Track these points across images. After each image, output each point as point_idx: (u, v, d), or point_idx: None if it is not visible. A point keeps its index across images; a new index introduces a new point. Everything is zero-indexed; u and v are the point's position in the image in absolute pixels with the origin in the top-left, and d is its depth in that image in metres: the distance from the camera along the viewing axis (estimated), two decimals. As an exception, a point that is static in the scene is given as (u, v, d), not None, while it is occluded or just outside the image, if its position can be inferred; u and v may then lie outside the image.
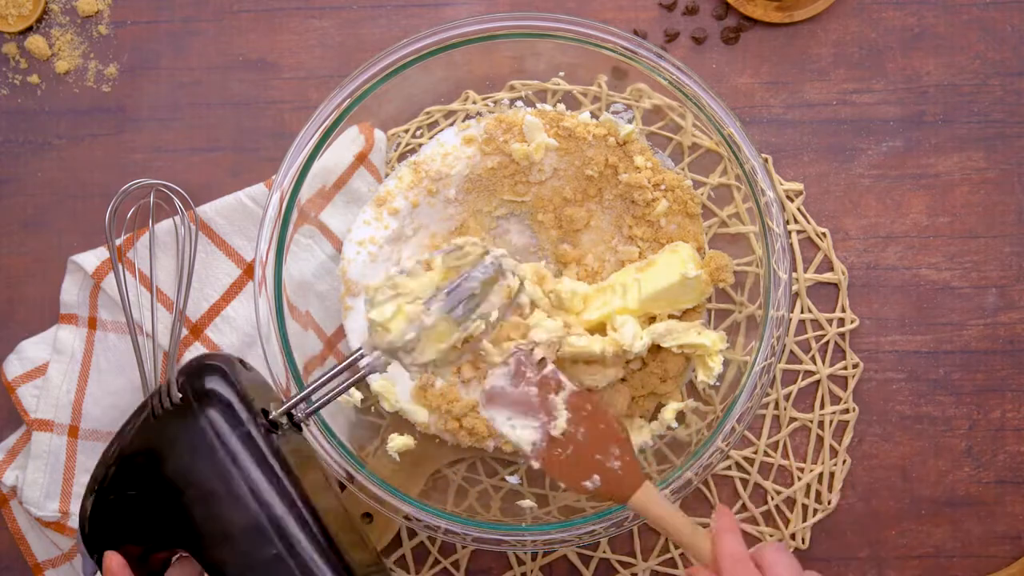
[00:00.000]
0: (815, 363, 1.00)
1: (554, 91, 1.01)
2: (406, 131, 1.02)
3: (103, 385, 0.99)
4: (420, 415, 0.95)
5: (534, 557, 1.00)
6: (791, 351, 1.01)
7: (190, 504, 0.75)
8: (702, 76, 0.92)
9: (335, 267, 0.97)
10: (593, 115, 0.99)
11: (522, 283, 0.87)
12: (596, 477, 0.82)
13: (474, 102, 1.02)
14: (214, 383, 0.78)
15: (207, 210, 0.99)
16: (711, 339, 0.92)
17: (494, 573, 1.00)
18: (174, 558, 0.79)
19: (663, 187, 0.96)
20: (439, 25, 0.91)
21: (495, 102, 1.02)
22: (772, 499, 1.00)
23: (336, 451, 0.88)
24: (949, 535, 1.01)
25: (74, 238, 1.03)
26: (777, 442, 1.00)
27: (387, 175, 0.99)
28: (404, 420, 0.96)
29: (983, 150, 1.03)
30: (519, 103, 1.02)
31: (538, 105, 1.01)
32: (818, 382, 1.00)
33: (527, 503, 0.96)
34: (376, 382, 0.95)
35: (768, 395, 1.00)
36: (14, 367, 0.99)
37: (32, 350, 1.00)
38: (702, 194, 0.98)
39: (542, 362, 0.86)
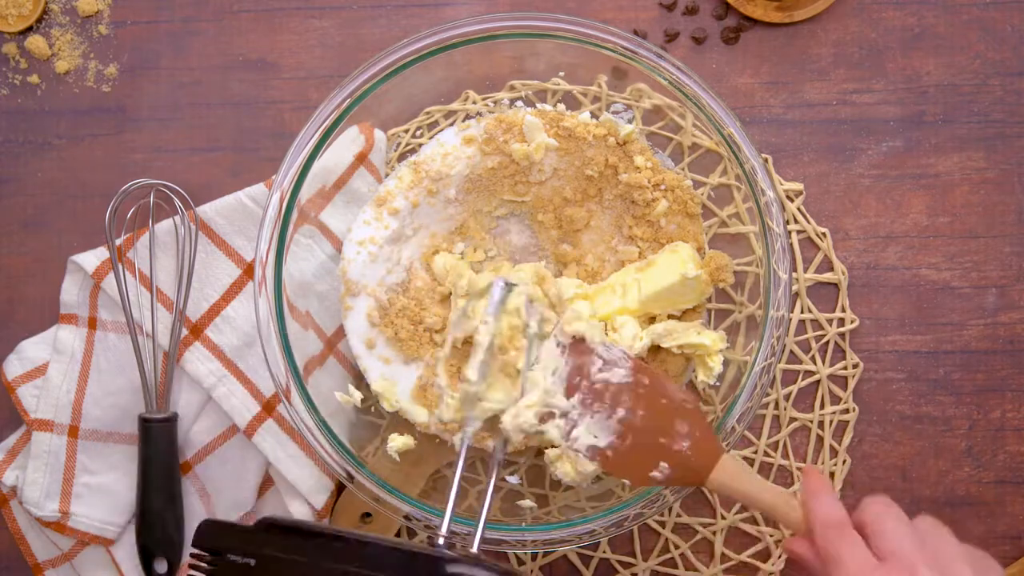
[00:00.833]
0: (815, 363, 1.00)
1: (554, 91, 1.01)
2: (406, 131, 1.02)
3: (103, 385, 0.99)
4: (420, 415, 0.95)
5: (534, 557, 1.00)
6: (791, 351, 1.01)
7: None
8: (702, 76, 0.92)
9: (335, 267, 0.97)
10: (593, 115, 0.99)
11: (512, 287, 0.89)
12: (664, 465, 0.77)
13: (474, 102, 1.02)
14: None
15: (207, 210, 1.00)
16: (711, 339, 0.92)
17: None
18: None
19: (663, 187, 0.96)
20: (439, 25, 0.91)
21: (495, 102, 1.02)
22: (772, 499, 1.01)
23: (336, 451, 0.88)
24: None
25: (74, 238, 1.03)
26: (777, 442, 1.00)
27: (387, 175, 0.99)
28: (404, 420, 0.96)
29: (983, 150, 1.03)
30: (519, 103, 1.02)
31: (538, 105, 1.01)
32: (818, 382, 1.00)
33: (527, 503, 0.96)
34: (376, 382, 0.95)
35: (768, 395, 1.00)
36: (14, 367, 1.00)
37: (32, 350, 1.00)
38: (702, 194, 0.98)
39: (580, 345, 0.82)
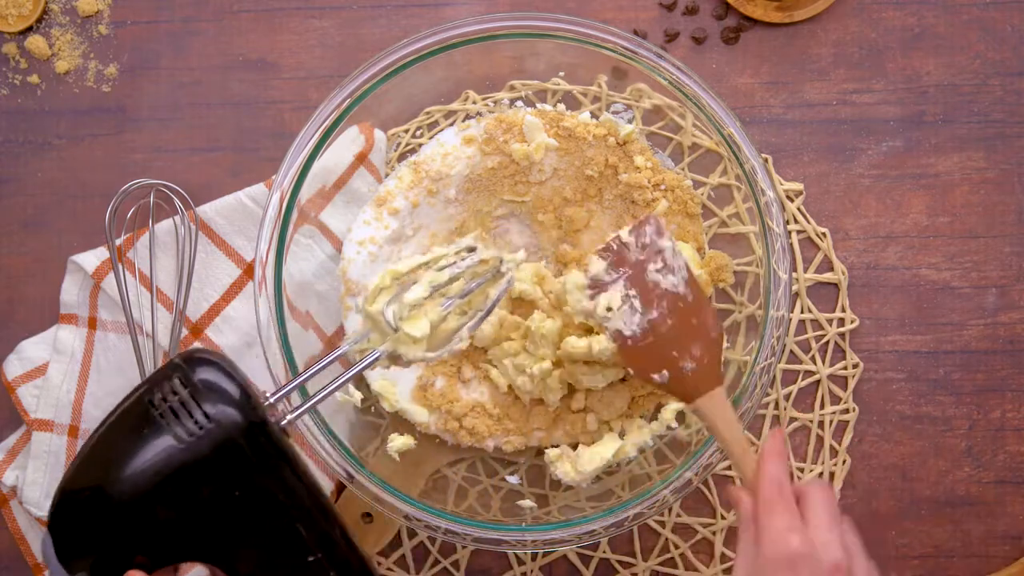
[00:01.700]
0: (815, 363, 1.01)
1: (554, 91, 1.01)
2: (406, 131, 1.02)
3: (103, 385, 1.00)
4: (420, 415, 0.95)
5: (534, 557, 1.00)
6: (791, 351, 1.01)
7: (218, 512, 0.72)
8: (702, 76, 0.92)
9: (335, 267, 0.97)
10: (593, 115, 0.99)
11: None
12: (665, 373, 0.82)
13: (474, 102, 1.02)
14: (218, 378, 0.73)
15: (207, 210, 1.00)
16: None
17: (494, 573, 1.01)
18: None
19: (663, 187, 0.96)
20: (439, 25, 0.91)
21: (495, 102, 1.02)
22: (772, 499, 1.01)
23: (336, 451, 0.88)
24: (949, 535, 1.01)
25: (74, 238, 1.04)
26: None
27: (387, 175, 1.00)
28: (404, 420, 0.96)
29: (983, 150, 1.03)
30: (519, 103, 1.02)
31: (538, 105, 1.01)
32: (818, 382, 1.01)
33: (527, 503, 0.96)
34: (376, 382, 0.96)
35: (768, 395, 1.01)
36: (14, 367, 1.00)
37: (32, 350, 1.01)
38: (702, 194, 0.98)
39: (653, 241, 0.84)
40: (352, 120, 0.92)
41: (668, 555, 0.99)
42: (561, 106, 1.00)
